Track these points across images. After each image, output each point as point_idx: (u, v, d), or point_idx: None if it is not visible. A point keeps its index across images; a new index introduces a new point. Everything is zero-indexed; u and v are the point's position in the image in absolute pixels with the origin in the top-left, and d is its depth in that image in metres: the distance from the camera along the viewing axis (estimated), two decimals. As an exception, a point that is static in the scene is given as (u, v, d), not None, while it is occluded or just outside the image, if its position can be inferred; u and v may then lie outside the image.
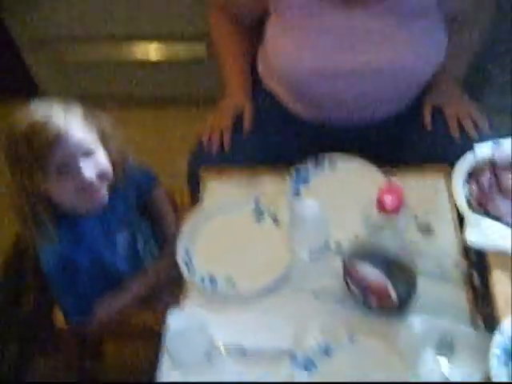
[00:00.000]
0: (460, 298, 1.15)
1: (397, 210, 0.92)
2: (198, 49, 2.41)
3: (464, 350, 1.06)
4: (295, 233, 1.05)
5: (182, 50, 2.51)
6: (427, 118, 1.49)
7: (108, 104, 2.60)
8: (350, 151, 1.43)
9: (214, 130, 1.50)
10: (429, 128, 1.49)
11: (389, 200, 0.91)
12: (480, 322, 1.11)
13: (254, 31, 1.57)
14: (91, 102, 1.32)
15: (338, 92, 1.40)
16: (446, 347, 1.07)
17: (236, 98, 1.55)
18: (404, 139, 1.53)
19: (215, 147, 1.47)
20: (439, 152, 1.43)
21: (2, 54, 2.62)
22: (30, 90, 2.69)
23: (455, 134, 1.44)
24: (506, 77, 2.57)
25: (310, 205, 1.01)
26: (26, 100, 1.26)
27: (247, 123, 1.51)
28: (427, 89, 1.52)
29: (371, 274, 1.04)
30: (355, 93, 1.40)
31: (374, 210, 0.94)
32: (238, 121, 1.51)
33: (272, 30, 1.43)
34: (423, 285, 1.16)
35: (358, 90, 1.39)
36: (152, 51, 2.53)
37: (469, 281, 1.17)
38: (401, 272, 1.05)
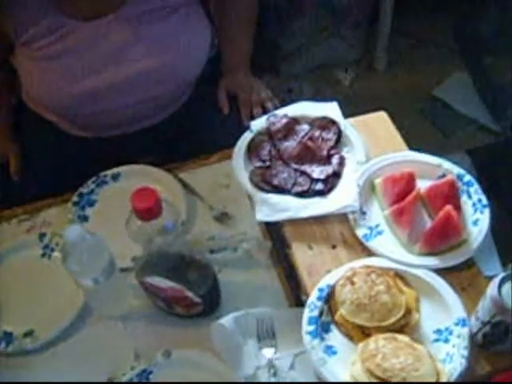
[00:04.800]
0: (272, 279, 1.13)
1: (154, 214, 0.84)
2: None
3: (286, 332, 1.03)
4: (70, 262, 0.94)
5: None
6: (223, 102, 1.49)
7: None
8: (139, 157, 1.36)
9: None
10: (226, 111, 1.48)
11: (142, 207, 0.83)
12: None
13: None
14: None
15: (106, 109, 1.34)
16: (267, 334, 1.03)
17: None
18: (193, 131, 1.48)
19: None
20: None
21: None
22: None
23: (245, 121, 1.44)
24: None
25: (74, 229, 0.91)
26: None
27: (14, 169, 1.41)
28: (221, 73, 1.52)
29: (164, 284, 0.96)
30: (124, 105, 1.34)
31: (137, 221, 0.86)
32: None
33: (23, 64, 1.32)
34: (232, 277, 1.12)
35: (125, 103, 1.33)
36: None
37: (277, 259, 1.14)
38: (194, 273, 0.99)
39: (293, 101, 1.34)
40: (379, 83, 2.67)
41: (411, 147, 1.24)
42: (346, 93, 2.62)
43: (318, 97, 2.51)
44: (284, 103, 1.36)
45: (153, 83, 1.32)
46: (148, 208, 0.83)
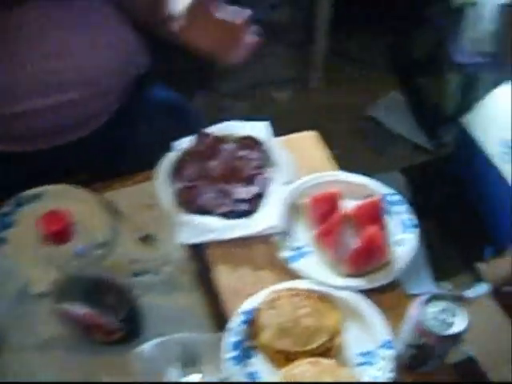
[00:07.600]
0: (196, 303, 1.09)
1: (63, 238, 0.80)
2: None
3: (211, 357, 0.99)
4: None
5: None
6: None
7: None
8: (69, 175, 1.30)
9: None
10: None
11: (49, 231, 0.79)
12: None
13: None
14: None
15: (17, 112, 1.24)
16: (192, 360, 0.99)
17: None
18: (122, 147, 1.42)
19: None
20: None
21: None
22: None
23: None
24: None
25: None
26: None
27: None
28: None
29: (80, 310, 0.92)
30: (38, 108, 1.25)
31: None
32: None
33: None
34: (155, 301, 1.08)
35: (38, 105, 1.25)
36: None
37: (202, 283, 1.11)
38: (112, 298, 0.95)
39: (226, 119, 1.32)
40: (314, 102, 2.69)
41: (345, 166, 1.24)
42: (281, 111, 2.62)
43: (253, 115, 2.50)
44: (216, 121, 1.34)
45: (64, 86, 1.24)
46: (55, 232, 0.79)
